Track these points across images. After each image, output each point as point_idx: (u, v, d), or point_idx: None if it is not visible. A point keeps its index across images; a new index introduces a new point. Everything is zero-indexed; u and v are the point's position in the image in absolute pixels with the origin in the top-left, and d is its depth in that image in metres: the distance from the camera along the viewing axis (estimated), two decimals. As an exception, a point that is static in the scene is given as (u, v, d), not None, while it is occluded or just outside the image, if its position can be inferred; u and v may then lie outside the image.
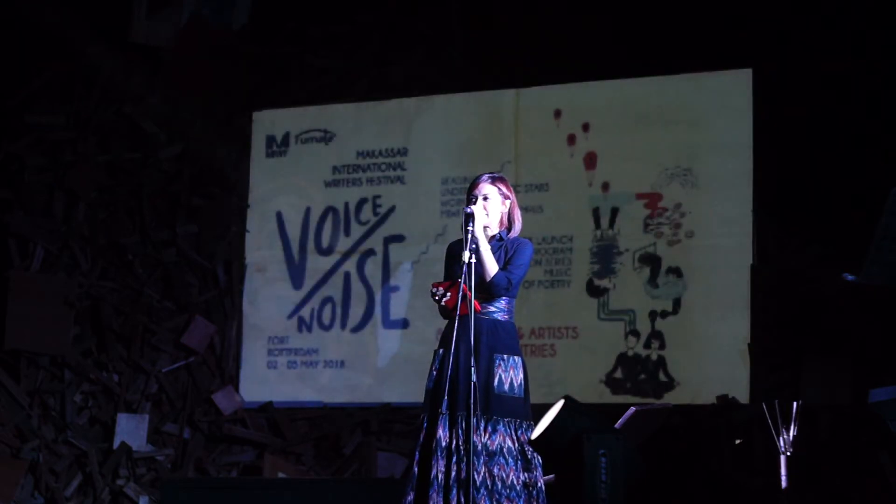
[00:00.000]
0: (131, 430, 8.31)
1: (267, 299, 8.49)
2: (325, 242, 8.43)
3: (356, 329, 8.27)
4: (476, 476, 4.85)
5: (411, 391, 7.97)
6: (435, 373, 5.05)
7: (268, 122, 8.66)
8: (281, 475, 7.94)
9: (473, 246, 4.94)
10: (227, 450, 8.33)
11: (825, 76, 7.13)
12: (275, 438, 8.25)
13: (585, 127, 7.86)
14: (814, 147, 7.14)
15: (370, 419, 8.08)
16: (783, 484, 6.11)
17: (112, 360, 8.49)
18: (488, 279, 5.01)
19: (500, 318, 5.10)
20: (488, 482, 4.92)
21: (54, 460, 8.27)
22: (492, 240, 5.17)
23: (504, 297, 5.09)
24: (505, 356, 5.04)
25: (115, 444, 8.26)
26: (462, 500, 4.85)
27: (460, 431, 4.93)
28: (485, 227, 5.11)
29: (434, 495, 4.90)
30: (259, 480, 7.85)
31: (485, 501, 4.86)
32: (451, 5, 8.25)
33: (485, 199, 5.14)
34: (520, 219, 5.25)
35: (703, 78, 7.60)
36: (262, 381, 8.41)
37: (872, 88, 7.01)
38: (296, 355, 8.38)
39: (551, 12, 7.80)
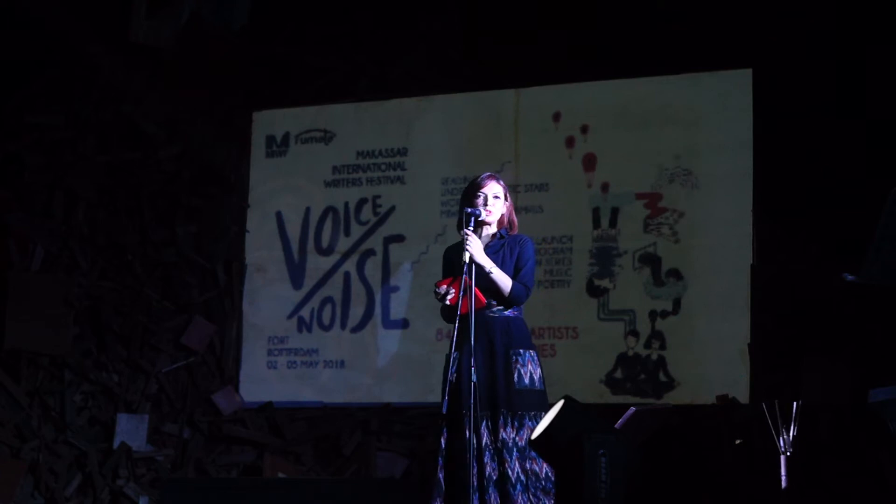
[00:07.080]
0: (131, 431, 8.30)
1: (267, 299, 8.49)
2: (324, 242, 8.42)
3: (356, 329, 8.27)
4: (511, 472, 4.90)
5: (411, 391, 7.98)
6: (455, 376, 5.02)
7: (268, 122, 8.66)
8: (281, 475, 7.94)
9: (486, 271, 4.99)
10: (227, 450, 8.33)
11: (825, 76, 7.13)
12: (274, 438, 8.24)
13: (585, 128, 7.86)
14: (814, 147, 7.14)
15: (370, 419, 8.08)
16: (783, 484, 6.10)
17: (112, 360, 8.48)
18: (506, 294, 5.05)
19: (510, 314, 5.13)
20: (523, 478, 4.96)
21: (54, 460, 8.27)
22: (493, 238, 5.21)
23: None
24: (521, 351, 5.10)
25: (115, 445, 8.26)
26: (497, 498, 4.89)
27: (482, 430, 4.97)
28: (487, 225, 5.17)
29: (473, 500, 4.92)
30: (259, 480, 7.85)
31: (521, 498, 4.90)
32: (450, 5, 8.25)
33: (495, 197, 5.19)
34: (515, 218, 5.32)
35: (703, 78, 7.59)
36: (262, 381, 8.40)
37: (872, 88, 7.00)
38: (296, 355, 8.37)
39: (551, 12, 7.79)
